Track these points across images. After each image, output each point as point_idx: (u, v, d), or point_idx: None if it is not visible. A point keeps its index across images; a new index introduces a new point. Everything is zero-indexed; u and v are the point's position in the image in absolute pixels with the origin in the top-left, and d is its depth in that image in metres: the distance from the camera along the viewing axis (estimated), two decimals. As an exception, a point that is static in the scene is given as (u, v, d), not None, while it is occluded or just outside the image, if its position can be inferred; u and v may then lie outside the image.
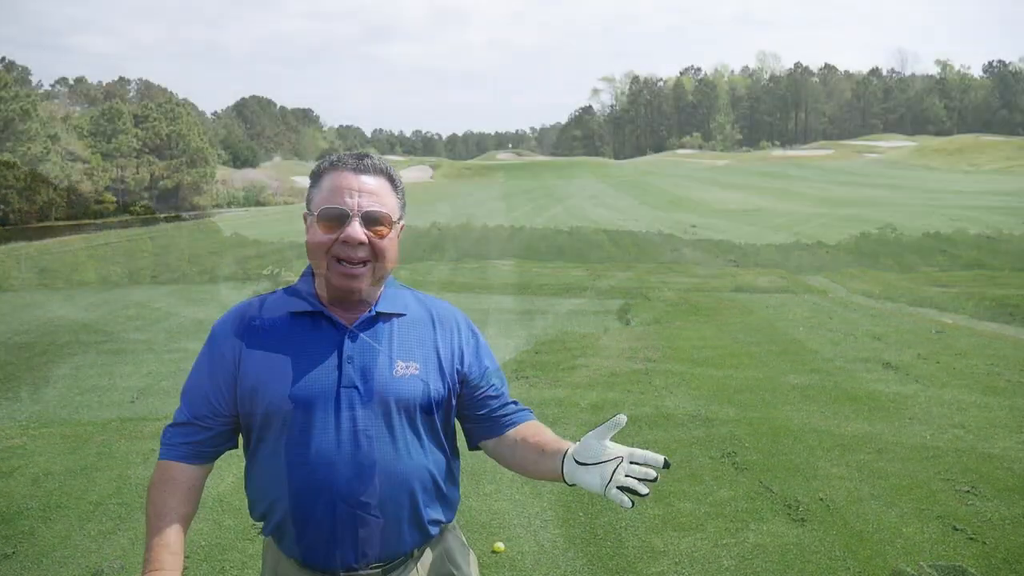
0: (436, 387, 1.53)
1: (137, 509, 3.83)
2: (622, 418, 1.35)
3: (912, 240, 13.04)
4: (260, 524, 1.57)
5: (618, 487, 1.31)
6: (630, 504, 1.31)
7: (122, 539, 3.54)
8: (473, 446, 1.65)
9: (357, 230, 1.45)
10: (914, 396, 5.27)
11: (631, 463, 1.32)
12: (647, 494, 1.29)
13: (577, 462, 1.37)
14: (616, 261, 12.25)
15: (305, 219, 1.54)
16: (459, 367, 1.58)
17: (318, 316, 1.52)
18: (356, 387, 1.48)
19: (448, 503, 1.59)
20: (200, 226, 25.49)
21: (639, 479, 1.31)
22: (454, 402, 1.60)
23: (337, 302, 1.52)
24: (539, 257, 13.11)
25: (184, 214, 45.00)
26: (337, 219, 1.46)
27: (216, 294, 10.18)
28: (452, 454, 1.62)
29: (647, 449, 1.36)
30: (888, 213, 17.57)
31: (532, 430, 1.58)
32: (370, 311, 1.52)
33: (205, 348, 1.56)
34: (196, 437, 1.53)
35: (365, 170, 1.50)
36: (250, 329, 1.52)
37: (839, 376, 5.77)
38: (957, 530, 3.42)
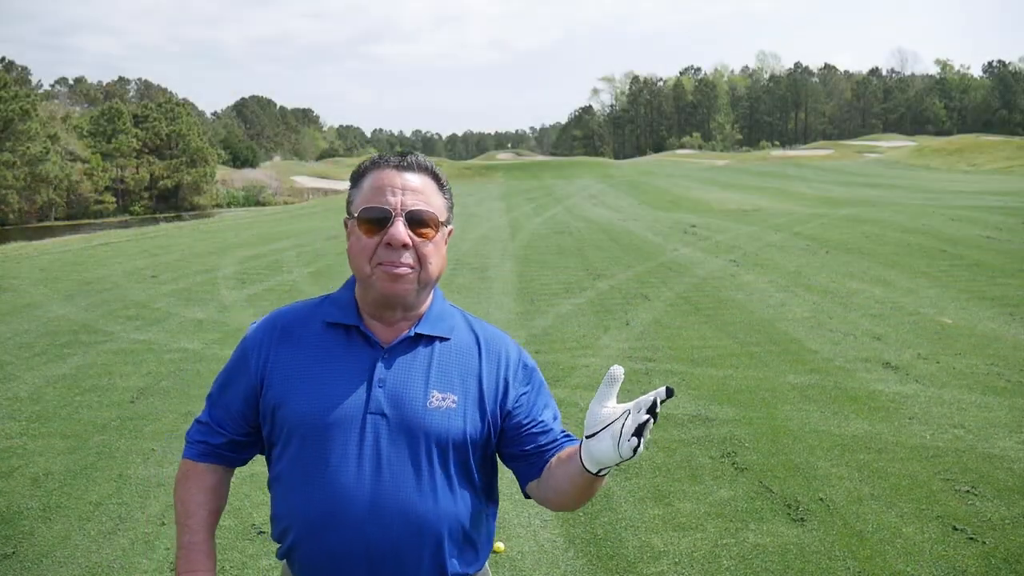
0: (474, 423, 1.39)
1: (137, 509, 3.83)
2: (618, 370, 1.21)
3: (912, 240, 13.03)
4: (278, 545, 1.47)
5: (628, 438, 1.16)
6: (638, 443, 1.15)
7: (122, 539, 3.54)
8: (525, 492, 1.49)
9: (401, 231, 1.31)
10: (914, 396, 5.27)
11: (638, 412, 1.17)
12: (648, 420, 1.14)
13: (588, 438, 1.24)
14: (616, 261, 12.25)
15: (346, 225, 1.41)
16: (503, 403, 1.42)
17: (353, 331, 1.40)
18: (384, 414, 1.35)
19: (477, 553, 1.44)
20: (200, 226, 25.49)
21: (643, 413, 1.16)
22: (494, 441, 1.44)
23: (379, 315, 1.39)
24: (539, 257, 13.11)
25: (184, 214, 45.02)
26: (379, 220, 1.33)
27: (216, 294, 10.18)
28: (487, 499, 1.47)
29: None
30: (888, 213, 17.56)
31: (563, 450, 1.42)
32: (409, 331, 1.39)
33: (235, 352, 1.48)
34: (214, 440, 1.47)
35: (409, 167, 1.38)
36: (281, 337, 1.42)
37: (839, 376, 5.77)
38: (957, 530, 3.42)
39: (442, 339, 1.42)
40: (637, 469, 4.17)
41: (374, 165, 1.40)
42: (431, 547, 1.35)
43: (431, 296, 1.44)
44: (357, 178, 1.42)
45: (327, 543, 1.34)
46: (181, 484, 1.47)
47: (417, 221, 1.34)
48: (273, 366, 1.40)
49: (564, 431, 1.46)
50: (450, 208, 1.44)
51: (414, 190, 1.36)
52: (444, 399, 1.37)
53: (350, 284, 1.44)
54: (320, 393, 1.36)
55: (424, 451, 1.35)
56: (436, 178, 1.42)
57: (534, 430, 1.42)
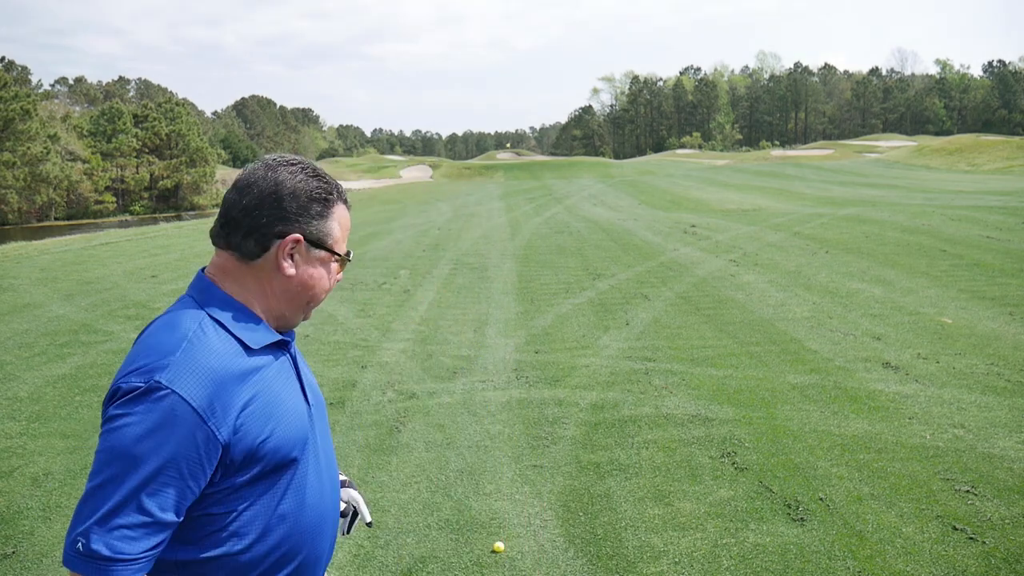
0: None
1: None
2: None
3: (912, 240, 13.03)
4: None
5: None
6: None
7: (122, 539, 3.54)
8: None
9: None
10: (914, 396, 5.27)
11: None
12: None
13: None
14: (616, 261, 12.25)
15: (302, 247, 1.33)
16: None
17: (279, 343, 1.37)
18: (310, 405, 1.39)
19: None
20: (200, 226, 25.48)
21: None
22: None
23: (280, 326, 1.40)
24: (539, 257, 13.10)
25: (184, 214, 45.01)
26: (343, 264, 1.40)
27: (216, 294, 10.17)
28: None
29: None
30: (888, 213, 17.55)
31: None
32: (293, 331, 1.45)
33: (169, 426, 1.16)
34: (165, 533, 1.20)
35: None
36: (236, 384, 1.24)
37: (839, 376, 5.77)
38: (957, 530, 3.42)
39: None
40: (637, 469, 4.18)
41: (340, 197, 1.38)
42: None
43: None
44: (325, 204, 1.35)
45: (318, 552, 1.37)
46: None
47: None
48: (239, 415, 1.23)
49: None
50: None
51: None
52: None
53: (230, 302, 1.32)
54: (287, 415, 1.31)
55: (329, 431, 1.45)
56: None
57: None
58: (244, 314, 1.31)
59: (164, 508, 1.16)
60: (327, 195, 1.35)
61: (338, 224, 1.36)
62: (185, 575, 1.24)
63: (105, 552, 1.12)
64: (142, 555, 1.15)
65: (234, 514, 1.25)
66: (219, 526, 1.25)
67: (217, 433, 1.19)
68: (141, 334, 1.30)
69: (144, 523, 1.14)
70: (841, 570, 3.16)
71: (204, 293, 1.32)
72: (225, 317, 1.29)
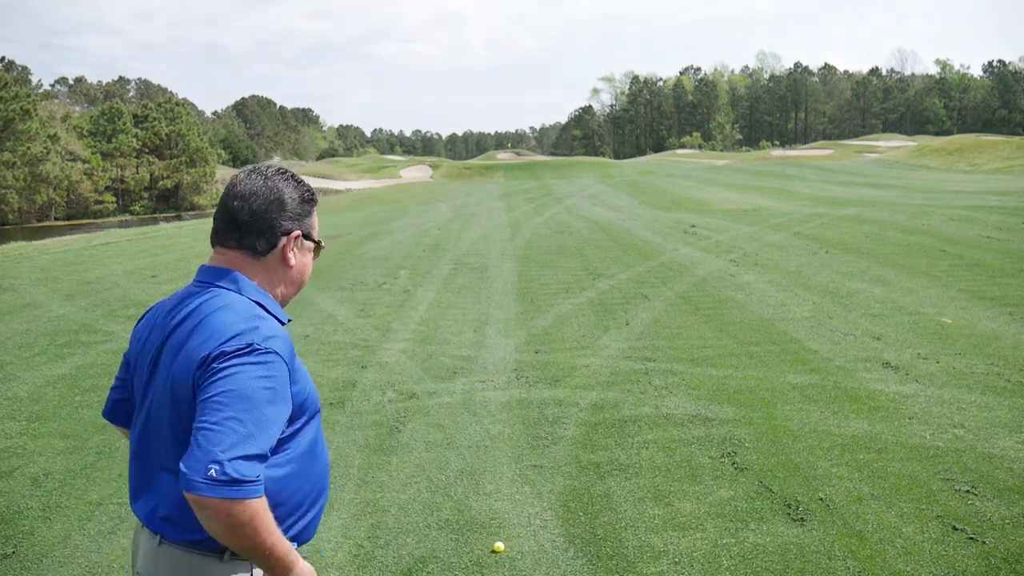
0: None
1: (137, 509, 3.83)
2: None
3: (912, 240, 13.03)
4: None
5: None
6: None
7: (122, 539, 3.54)
8: None
9: None
10: (914, 396, 5.27)
11: None
12: None
13: None
14: (616, 261, 12.24)
15: (300, 242, 1.64)
16: None
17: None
18: None
19: None
20: (200, 226, 25.47)
21: None
22: None
23: None
24: (539, 257, 13.10)
25: (184, 214, 45.00)
26: (317, 253, 1.72)
27: (216, 294, 10.17)
28: None
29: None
30: (888, 213, 17.54)
31: None
32: None
33: (273, 377, 1.44)
34: (264, 465, 1.45)
35: None
36: (292, 354, 1.56)
37: (839, 376, 5.77)
38: (957, 530, 3.42)
39: None
40: (637, 469, 4.17)
41: (316, 198, 1.70)
42: None
43: None
44: (312, 202, 1.68)
45: (329, 488, 1.69)
46: (259, 522, 1.37)
47: None
48: (296, 375, 1.55)
49: None
50: None
51: None
52: None
53: (258, 289, 1.60)
54: (307, 373, 1.63)
55: None
56: None
57: None
58: (269, 298, 1.59)
59: (266, 444, 1.39)
60: (311, 196, 1.67)
61: (315, 219, 1.69)
62: None
63: (236, 475, 1.33)
64: (258, 478, 1.36)
65: (287, 457, 1.52)
66: (273, 470, 1.48)
67: (292, 387, 1.49)
68: (187, 323, 1.51)
69: (256, 455, 1.36)
70: (841, 570, 3.16)
71: (237, 283, 1.56)
72: (262, 300, 1.57)
